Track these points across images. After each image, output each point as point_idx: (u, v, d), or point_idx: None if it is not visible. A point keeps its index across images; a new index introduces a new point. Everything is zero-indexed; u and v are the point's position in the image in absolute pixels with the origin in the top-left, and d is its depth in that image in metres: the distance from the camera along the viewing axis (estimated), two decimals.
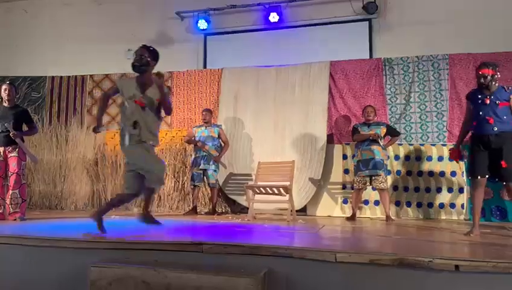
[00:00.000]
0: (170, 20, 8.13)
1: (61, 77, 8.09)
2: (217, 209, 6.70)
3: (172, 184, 7.23)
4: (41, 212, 6.77)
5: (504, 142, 4.03)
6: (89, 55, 8.21)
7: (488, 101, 4.11)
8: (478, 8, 6.67)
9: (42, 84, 8.09)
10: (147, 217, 4.01)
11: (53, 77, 8.10)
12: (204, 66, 7.87)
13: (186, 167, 7.19)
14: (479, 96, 4.20)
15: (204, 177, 6.55)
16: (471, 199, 4.42)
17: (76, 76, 8.08)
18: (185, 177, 7.17)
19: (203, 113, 6.73)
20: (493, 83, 4.16)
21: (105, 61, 8.10)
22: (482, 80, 4.15)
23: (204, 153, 6.44)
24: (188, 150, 7.20)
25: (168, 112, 4.04)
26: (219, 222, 5.38)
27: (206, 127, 6.65)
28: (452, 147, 4.73)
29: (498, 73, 4.19)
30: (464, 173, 6.11)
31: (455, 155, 4.51)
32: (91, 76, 8.04)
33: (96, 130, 4.08)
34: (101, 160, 7.61)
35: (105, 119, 7.82)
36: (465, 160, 4.91)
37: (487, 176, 4.14)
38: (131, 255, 3.09)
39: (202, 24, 7.77)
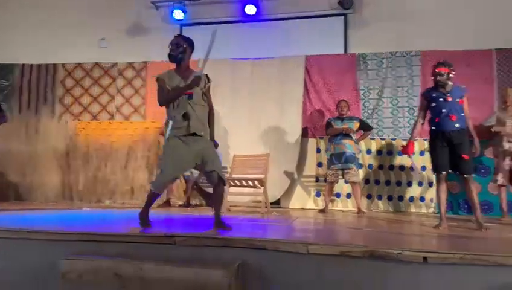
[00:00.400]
0: (146, 10, 8.00)
1: (31, 65, 7.84)
2: (191, 202, 6.68)
3: (146, 176, 7.15)
4: (11, 203, 6.60)
5: (463, 138, 4.24)
6: (61, 43, 7.97)
7: (450, 99, 4.27)
8: (451, 6, 6.81)
9: (12, 72, 7.83)
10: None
11: (23, 65, 7.84)
12: None
13: (159, 159, 7.12)
14: (439, 94, 4.34)
15: None
16: (436, 193, 4.56)
17: (47, 64, 7.84)
18: (159, 170, 7.09)
19: None
20: (449, 81, 4.32)
21: (78, 50, 7.90)
22: (439, 78, 4.31)
23: None
24: (162, 142, 7.11)
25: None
26: (193, 214, 5.37)
27: None
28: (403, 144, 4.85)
29: (453, 72, 4.35)
30: None
31: (409, 149, 4.59)
32: (63, 65, 7.83)
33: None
34: (72, 151, 7.44)
35: (77, 108, 7.70)
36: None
37: (449, 171, 4.30)
38: (104, 248, 3.05)
39: (178, 14, 7.67)
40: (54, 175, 7.38)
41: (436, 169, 4.35)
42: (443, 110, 4.28)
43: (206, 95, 3.81)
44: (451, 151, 4.26)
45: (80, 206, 6.12)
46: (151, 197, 3.73)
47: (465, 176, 4.23)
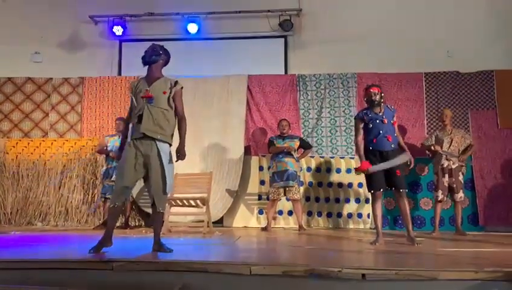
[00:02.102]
0: (83, 24, 7.76)
1: None
2: (129, 223, 6.45)
3: (82, 197, 6.83)
4: None
5: (396, 156, 4.46)
6: None
7: (386, 121, 4.50)
8: (384, 31, 7.21)
9: None
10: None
11: None
12: (119, 73, 7.60)
13: (96, 179, 6.84)
14: (375, 116, 4.53)
15: None
16: (372, 211, 4.70)
17: None
18: (96, 190, 6.81)
19: (117, 122, 6.46)
20: (382, 100, 4.57)
21: (8, 64, 7.47)
22: (374, 97, 4.54)
23: (117, 164, 6.18)
24: (100, 160, 6.86)
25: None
26: (132, 236, 5.18)
27: (119, 136, 6.38)
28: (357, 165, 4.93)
29: (382, 93, 4.63)
30: None
31: (365, 165, 4.53)
32: None
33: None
34: (0, 170, 6.96)
35: (7, 125, 7.26)
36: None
37: (385, 189, 4.48)
38: (33, 276, 2.85)
39: (117, 30, 7.50)
40: None
41: (372, 187, 4.50)
42: (380, 131, 4.47)
43: (173, 100, 3.71)
44: (385, 169, 4.44)
45: (8, 230, 5.70)
46: (111, 212, 3.60)
47: (400, 190, 4.44)
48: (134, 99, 3.64)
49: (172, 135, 3.70)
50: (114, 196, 3.58)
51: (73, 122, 7.24)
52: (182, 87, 3.79)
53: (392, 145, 4.47)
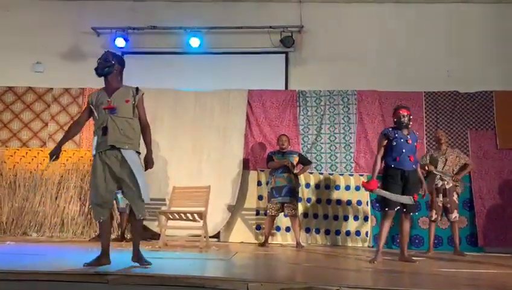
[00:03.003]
0: (85, 35, 7.78)
1: None
2: (126, 236, 6.38)
3: (78, 208, 6.78)
4: None
5: (416, 178, 4.56)
6: None
7: (410, 142, 4.55)
8: (383, 50, 7.29)
9: None
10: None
11: None
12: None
13: None
14: (401, 135, 4.57)
15: (114, 201, 6.23)
16: (379, 228, 4.66)
17: None
18: None
19: None
20: (410, 123, 4.64)
21: (9, 73, 7.49)
22: (403, 119, 4.58)
23: None
24: None
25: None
26: (128, 249, 5.12)
27: None
28: (366, 179, 4.94)
29: (411, 115, 4.71)
30: (369, 202, 6.50)
31: (373, 185, 4.57)
32: None
33: (53, 158, 3.60)
34: None
35: (5, 134, 7.25)
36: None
37: (398, 208, 4.50)
38: (27, 287, 2.81)
39: (120, 42, 7.54)
40: None
41: (387, 206, 4.48)
42: (404, 150, 4.51)
43: (137, 108, 3.66)
44: (403, 190, 4.47)
45: (3, 240, 5.65)
46: (99, 228, 3.61)
47: (409, 214, 4.56)
48: (95, 112, 3.59)
49: (139, 143, 3.67)
50: (96, 213, 3.54)
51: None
52: (143, 94, 3.76)
53: (414, 166, 4.54)
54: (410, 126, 4.65)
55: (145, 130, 3.71)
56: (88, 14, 7.78)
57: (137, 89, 3.72)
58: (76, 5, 7.83)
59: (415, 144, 4.62)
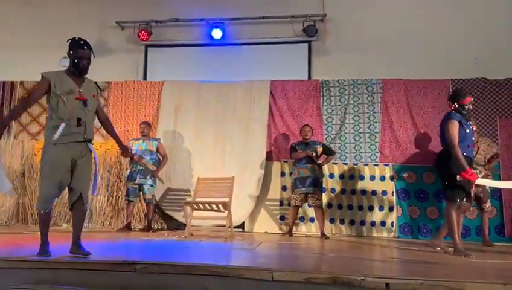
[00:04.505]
0: (110, 29, 7.91)
1: None
2: (152, 226, 6.50)
3: (106, 199, 6.94)
4: None
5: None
6: (21, 60, 7.74)
7: (474, 128, 4.52)
8: (407, 37, 7.10)
9: None
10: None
11: None
12: (144, 78, 7.72)
13: (121, 181, 6.94)
14: (467, 123, 4.42)
15: (140, 192, 6.36)
16: (449, 219, 4.34)
17: (4, 81, 7.58)
18: (120, 192, 6.91)
19: (141, 125, 6.56)
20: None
21: (37, 68, 7.55)
22: (470, 107, 4.47)
23: (141, 167, 6.27)
24: (124, 163, 6.96)
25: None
26: (154, 239, 5.22)
27: (144, 140, 6.48)
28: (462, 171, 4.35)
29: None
30: (394, 192, 6.42)
31: (474, 176, 4.27)
32: (21, 82, 7.58)
33: None
34: (28, 171, 7.15)
35: (35, 128, 7.44)
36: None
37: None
38: (59, 276, 2.90)
39: (144, 35, 7.63)
40: (7, 197, 7.02)
41: (459, 196, 4.28)
42: (473, 138, 4.46)
43: (98, 105, 3.69)
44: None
45: (35, 231, 5.83)
46: (44, 219, 3.47)
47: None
48: (63, 97, 3.41)
49: None
50: (44, 203, 3.42)
51: (98, 126, 7.25)
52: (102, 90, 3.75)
53: (474, 153, 4.50)
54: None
55: (108, 122, 3.82)
56: (112, 8, 7.90)
57: (96, 83, 3.74)
58: (101, 0, 7.96)
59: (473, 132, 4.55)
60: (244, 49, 7.59)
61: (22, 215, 7.01)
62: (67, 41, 3.71)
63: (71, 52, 3.65)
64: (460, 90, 4.78)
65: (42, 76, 3.53)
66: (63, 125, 3.37)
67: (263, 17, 7.45)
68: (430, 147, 6.48)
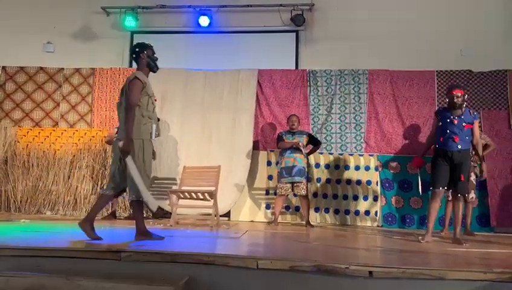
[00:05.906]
0: (95, 15, 7.78)
1: None
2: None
3: (90, 187, 6.88)
4: None
5: (464, 159, 4.48)
6: (2, 44, 7.57)
7: (456, 122, 4.48)
8: (394, 29, 7.12)
9: None
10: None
11: None
12: (130, 65, 7.61)
13: (105, 169, 6.88)
14: (449, 115, 4.53)
15: None
16: (428, 208, 4.68)
17: None
18: (104, 180, 6.84)
19: None
20: (464, 103, 4.55)
21: (20, 53, 7.53)
22: (455, 100, 4.50)
23: None
24: (109, 151, 6.90)
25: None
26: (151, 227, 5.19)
27: None
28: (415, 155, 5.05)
29: (466, 95, 4.60)
30: (379, 182, 6.49)
31: (418, 164, 4.82)
32: (3, 68, 7.42)
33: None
34: (11, 159, 7.04)
35: (18, 114, 7.33)
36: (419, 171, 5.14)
37: (445, 188, 4.54)
38: (43, 263, 2.88)
39: (129, 21, 7.52)
40: None
41: (434, 184, 4.53)
42: (448, 131, 4.49)
43: None
44: (451, 171, 4.48)
45: (18, 218, 5.77)
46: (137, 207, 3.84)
47: (459, 195, 4.51)
48: (151, 100, 3.82)
49: None
50: (141, 193, 3.66)
51: (83, 113, 7.28)
52: None
53: (459, 146, 4.45)
54: (464, 106, 4.55)
55: None
56: None
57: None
58: None
59: (464, 124, 4.48)
60: (232, 37, 7.54)
61: (4, 203, 6.90)
62: (136, 44, 4.11)
63: (146, 52, 3.98)
64: (451, 84, 4.95)
65: (137, 78, 3.74)
66: (153, 126, 3.78)
67: (250, 5, 7.40)
68: (415, 138, 6.55)
